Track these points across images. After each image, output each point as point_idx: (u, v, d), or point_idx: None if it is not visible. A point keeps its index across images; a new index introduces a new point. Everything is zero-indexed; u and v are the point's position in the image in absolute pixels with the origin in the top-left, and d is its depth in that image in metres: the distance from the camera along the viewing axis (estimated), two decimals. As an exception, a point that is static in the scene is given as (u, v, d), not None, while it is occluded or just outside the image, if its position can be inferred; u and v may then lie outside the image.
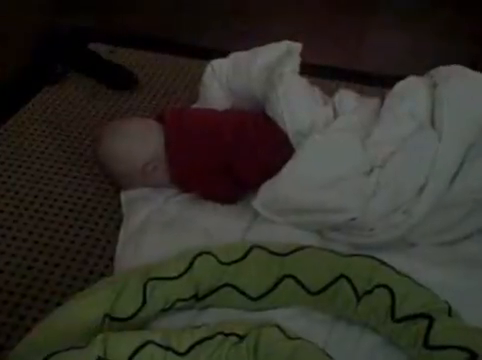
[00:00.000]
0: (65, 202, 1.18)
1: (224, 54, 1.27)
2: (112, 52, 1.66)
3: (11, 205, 1.17)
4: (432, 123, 1.05)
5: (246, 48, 1.26)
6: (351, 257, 0.93)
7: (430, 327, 0.81)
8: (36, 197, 1.19)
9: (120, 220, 1.12)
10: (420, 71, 1.18)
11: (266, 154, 1.10)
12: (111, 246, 1.07)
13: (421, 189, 1.00)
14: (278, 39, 1.23)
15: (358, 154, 1.04)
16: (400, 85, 1.13)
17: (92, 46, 1.67)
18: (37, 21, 1.63)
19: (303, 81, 1.16)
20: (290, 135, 1.09)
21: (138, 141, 1.13)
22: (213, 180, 1.11)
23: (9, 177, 1.24)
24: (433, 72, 1.15)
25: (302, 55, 1.19)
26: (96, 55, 1.61)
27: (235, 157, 1.10)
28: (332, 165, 1.03)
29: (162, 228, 1.06)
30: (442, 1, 1.96)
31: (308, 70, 1.20)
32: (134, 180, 1.15)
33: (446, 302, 0.86)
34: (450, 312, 0.84)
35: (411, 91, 1.10)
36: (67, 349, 0.76)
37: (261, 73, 1.18)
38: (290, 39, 1.23)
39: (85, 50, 1.63)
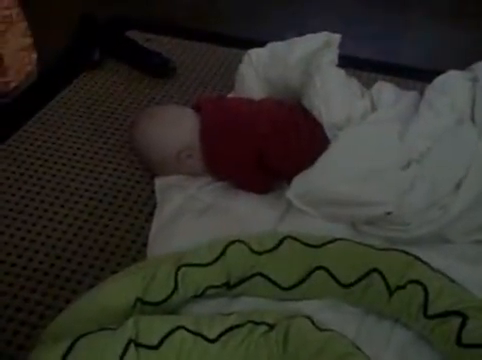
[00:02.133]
0: (100, 187, 1.19)
1: (261, 44, 1.26)
2: (148, 40, 1.65)
3: (48, 188, 1.18)
4: (472, 118, 1.03)
5: (283, 39, 1.25)
6: (385, 251, 0.92)
7: (464, 325, 0.80)
8: (72, 180, 1.20)
9: (154, 206, 1.12)
10: (460, 66, 1.15)
11: (301, 145, 1.08)
12: (144, 232, 1.08)
13: (459, 185, 0.98)
14: (315, 31, 1.22)
15: (395, 147, 1.02)
16: (440, 79, 1.11)
17: (129, 33, 1.66)
18: (77, 9, 1.65)
19: (341, 73, 1.14)
20: (326, 127, 1.07)
21: (173, 128, 1.13)
22: (247, 170, 1.10)
23: (46, 160, 1.25)
24: (474, 66, 1.13)
25: (340, 47, 1.17)
26: (133, 42, 1.60)
27: (270, 147, 1.08)
28: (368, 157, 1.01)
29: (195, 216, 1.06)
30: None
31: (346, 62, 1.17)
32: (168, 167, 1.15)
33: (481, 300, 0.84)
34: (485, 310, 0.83)
35: (451, 85, 1.08)
36: (99, 330, 0.77)
37: (298, 64, 1.17)
38: (327, 31, 1.21)
39: (122, 37, 1.63)
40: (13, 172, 1.22)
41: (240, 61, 1.27)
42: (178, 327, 0.78)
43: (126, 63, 1.57)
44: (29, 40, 1.43)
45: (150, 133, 1.13)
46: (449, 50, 1.69)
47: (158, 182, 1.17)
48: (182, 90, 1.49)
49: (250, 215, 1.06)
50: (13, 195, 1.16)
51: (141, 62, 1.55)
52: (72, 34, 1.56)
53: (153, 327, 0.78)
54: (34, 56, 1.47)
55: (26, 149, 1.28)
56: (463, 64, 1.15)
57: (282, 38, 1.25)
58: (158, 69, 1.53)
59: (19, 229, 1.09)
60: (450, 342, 0.80)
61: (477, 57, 1.15)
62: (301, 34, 1.23)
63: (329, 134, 1.07)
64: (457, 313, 0.81)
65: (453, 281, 0.87)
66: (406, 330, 0.87)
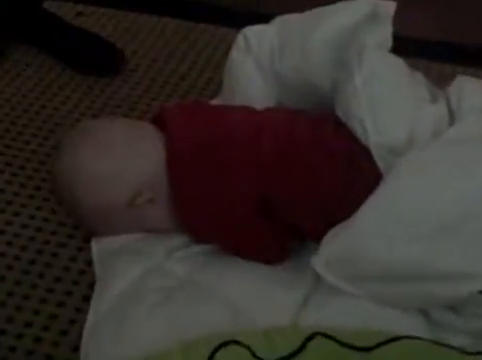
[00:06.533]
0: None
1: (261, 19, 1.26)
2: (80, 14, 1.71)
3: None
4: None
5: (299, 11, 1.24)
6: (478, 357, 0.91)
7: None
8: None
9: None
10: None
11: (331, 181, 1.08)
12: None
13: None
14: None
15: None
16: None
17: (50, 5, 1.68)
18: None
19: (399, 63, 1.14)
20: (374, 151, 1.06)
21: (123, 156, 1.12)
22: (245, 222, 1.09)
23: None
24: None
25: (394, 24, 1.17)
26: (57, 19, 1.61)
27: (280, 184, 1.08)
28: (447, 200, 0.98)
29: (161, 301, 1.03)
30: None
31: (403, 47, 1.17)
32: (115, 220, 1.13)
33: None
34: None
35: None
36: None
37: (325, 49, 1.18)
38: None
39: (40, 12, 1.64)
40: None
41: (228, 46, 1.29)
42: None
43: (46, 52, 1.58)
44: None
45: (85, 167, 1.11)
46: None
47: (97, 247, 1.14)
48: (135, 93, 1.50)
49: (251, 297, 1.05)
50: None
51: (70, 51, 1.57)
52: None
53: None
54: None
55: None
56: None
57: (296, 11, 1.24)
58: (97, 61, 1.55)
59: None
60: None
61: None
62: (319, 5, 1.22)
63: (380, 163, 1.06)
64: None
65: None
66: None
